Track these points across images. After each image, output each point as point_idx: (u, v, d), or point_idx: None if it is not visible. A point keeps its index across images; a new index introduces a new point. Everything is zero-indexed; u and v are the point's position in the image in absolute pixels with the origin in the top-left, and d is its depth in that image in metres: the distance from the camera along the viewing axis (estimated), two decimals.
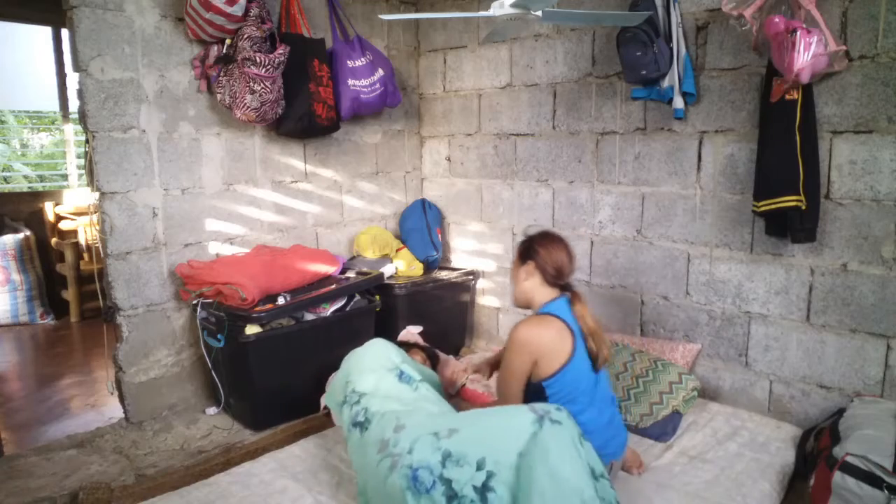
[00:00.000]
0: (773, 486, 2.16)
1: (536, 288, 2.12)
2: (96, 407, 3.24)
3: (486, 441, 1.72)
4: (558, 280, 2.12)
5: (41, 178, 8.13)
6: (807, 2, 2.27)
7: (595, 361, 2.04)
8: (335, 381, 2.33)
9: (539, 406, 1.78)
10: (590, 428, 1.94)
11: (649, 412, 2.50)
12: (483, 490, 1.63)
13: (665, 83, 2.75)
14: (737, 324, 2.81)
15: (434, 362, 2.79)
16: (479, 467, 1.66)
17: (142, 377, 2.89)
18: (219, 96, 2.88)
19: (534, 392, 2.02)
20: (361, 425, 2.04)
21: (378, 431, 1.94)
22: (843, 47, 2.31)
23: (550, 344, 1.99)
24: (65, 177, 6.23)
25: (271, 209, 3.35)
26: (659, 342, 2.94)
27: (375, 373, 2.20)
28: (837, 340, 2.54)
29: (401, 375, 2.21)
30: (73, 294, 4.86)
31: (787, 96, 2.37)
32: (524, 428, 1.70)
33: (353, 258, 3.68)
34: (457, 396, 2.88)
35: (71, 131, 5.76)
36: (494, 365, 2.45)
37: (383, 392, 2.13)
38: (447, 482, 1.67)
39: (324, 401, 2.84)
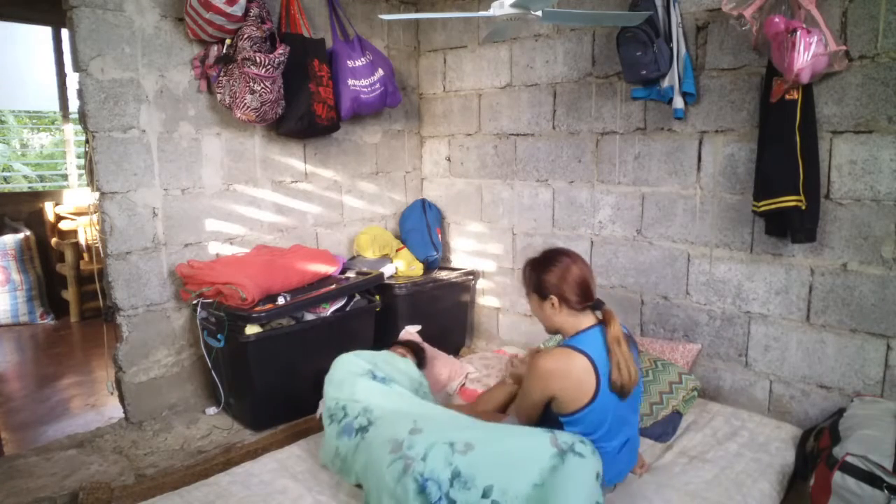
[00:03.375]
0: (773, 486, 2.16)
1: (566, 319, 1.93)
2: (96, 407, 3.24)
3: (499, 467, 1.72)
4: (587, 301, 1.93)
5: (41, 178, 8.14)
6: (807, 2, 2.27)
7: (621, 392, 1.86)
8: (323, 411, 2.32)
9: (562, 438, 1.75)
10: (608, 456, 1.89)
11: (649, 412, 2.50)
12: None
13: (665, 83, 2.75)
14: (737, 324, 2.81)
15: (420, 356, 2.80)
16: (486, 495, 1.68)
17: (142, 377, 2.89)
18: (219, 96, 2.88)
19: (553, 422, 1.92)
20: (363, 429, 2.07)
21: (389, 431, 1.95)
22: (843, 47, 2.31)
23: (571, 387, 1.83)
24: (65, 177, 6.24)
25: (271, 209, 3.35)
26: (659, 342, 2.94)
27: (346, 381, 2.24)
28: (837, 340, 2.54)
29: (373, 376, 2.27)
30: (73, 294, 4.86)
31: (787, 96, 2.37)
32: (544, 460, 1.70)
33: (353, 258, 3.68)
34: (455, 395, 2.88)
35: (71, 131, 5.76)
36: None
37: (363, 394, 2.18)
38: (452, 502, 1.70)
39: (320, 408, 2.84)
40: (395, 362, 2.48)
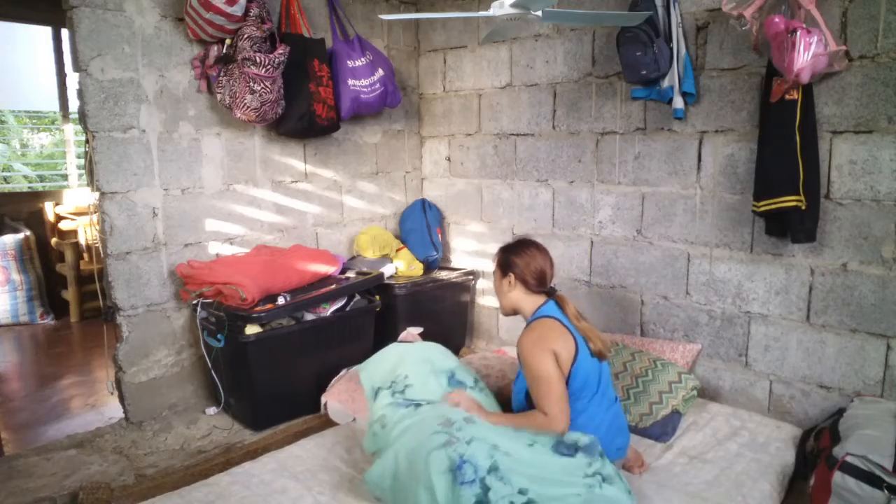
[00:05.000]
0: (773, 486, 2.16)
1: (522, 298, 2.17)
2: (96, 407, 3.24)
3: (537, 480, 1.75)
4: (541, 287, 2.16)
5: (41, 178, 8.13)
6: (807, 2, 2.27)
7: (596, 354, 2.07)
8: (377, 364, 2.34)
9: (594, 466, 1.82)
10: (596, 422, 2.01)
11: (649, 412, 2.50)
12: None
13: (665, 83, 2.75)
14: (737, 324, 2.81)
15: None
16: (522, 493, 1.70)
17: (142, 377, 2.89)
18: (219, 96, 2.88)
19: None
20: (416, 403, 2.11)
21: (443, 411, 1.98)
22: (843, 47, 2.31)
23: (560, 340, 2.01)
24: (65, 177, 6.24)
25: (271, 209, 3.35)
26: (659, 342, 2.94)
27: (422, 370, 2.25)
28: (837, 340, 2.54)
29: (451, 379, 2.26)
30: (73, 294, 4.86)
31: (787, 96, 2.37)
32: (578, 482, 1.77)
33: (353, 258, 3.68)
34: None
35: (71, 131, 5.76)
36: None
37: (432, 389, 2.19)
38: (486, 488, 1.70)
39: (329, 398, 2.83)
40: (468, 380, 2.37)
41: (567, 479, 1.77)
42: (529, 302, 2.16)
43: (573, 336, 2.03)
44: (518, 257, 2.16)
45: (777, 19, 2.23)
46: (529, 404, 2.08)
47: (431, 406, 2.09)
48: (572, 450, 1.87)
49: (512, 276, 2.15)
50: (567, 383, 1.99)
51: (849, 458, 1.94)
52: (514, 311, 2.20)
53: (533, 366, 1.98)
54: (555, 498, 1.71)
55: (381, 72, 3.35)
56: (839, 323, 2.53)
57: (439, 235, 3.83)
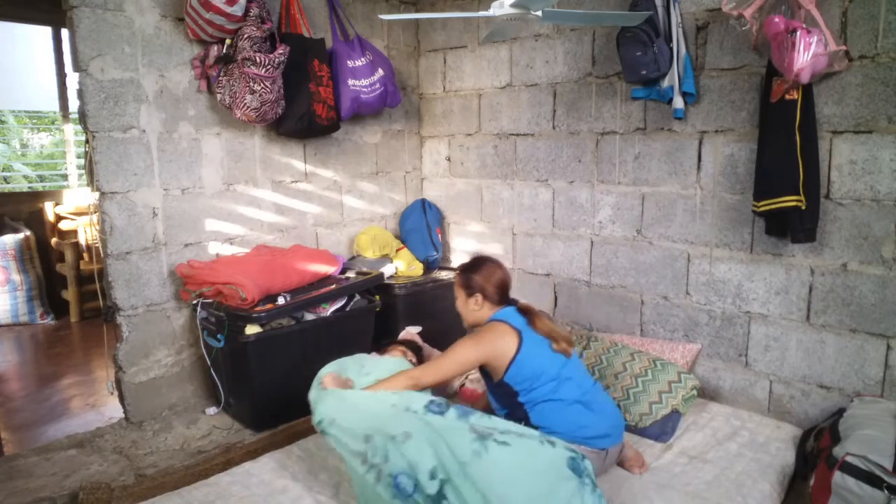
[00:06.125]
0: (774, 486, 2.16)
1: (487, 312, 2.26)
2: (96, 407, 3.24)
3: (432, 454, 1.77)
4: (504, 299, 2.29)
5: (41, 178, 8.13)
6: (807, 2, 2.27)
7: (560, 351, 2.18)
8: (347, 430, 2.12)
9: (479, 424, 1.85)
10: (568, 402, 2.11)
11: (649, 412, 2.50)
12: (438, 497, 1.71)
13: (665, 83, 2.75)
14: (737, 324, 2.81)
15: (419, 354, 2.79)
16: (433, 476, 1.72)
17: (142, 377, 2.89)
18: (219, 96, 2.88)
19: (505, 394, 2.15)
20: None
21: (352, 443, 1.91)
22: (843, 47, 2.31)
23: (498, 341, 2.14)
24: (65, 177, 6.24)
25: (271, 209, 3.35)
26: (659, 342, 2.94)
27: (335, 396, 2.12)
28: (837, 340, 2.54)
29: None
30: (73, 294, 4.86)
31: (787, 96, 2.37)
32: (465, 443, 1.78)
33: (353, 258, 3.68)
34: (455, 396, 2.88)
35: (71, 131, 5.76)
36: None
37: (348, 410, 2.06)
38: (419, 485, 1.73)
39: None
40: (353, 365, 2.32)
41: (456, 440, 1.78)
42: (491, 312, 2.26)
43: (519, 335, 2.14)
44: (479, 275, 2.27)
45: (777, 19, 2.23)
46: (505, 406, 2.17)
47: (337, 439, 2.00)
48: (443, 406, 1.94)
49: (479, 295, 2.25)
50: (510, 375, 2.11)
51: (849, 458, 1.94)
52: (477, 323, 2.30)
53: (457, 349, 2.14)
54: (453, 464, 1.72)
55: (381, 72, 3.35)
56: (839, 323, 2.53)
57: (439, 235, 3.83)
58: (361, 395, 2.07)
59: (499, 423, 1.91)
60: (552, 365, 2.14)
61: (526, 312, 2.24)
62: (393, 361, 2.41)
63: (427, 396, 2.03)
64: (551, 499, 1.69)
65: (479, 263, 2.32)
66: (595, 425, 2.10)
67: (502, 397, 2.18)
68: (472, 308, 2.28)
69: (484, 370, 2.21)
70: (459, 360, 2.13)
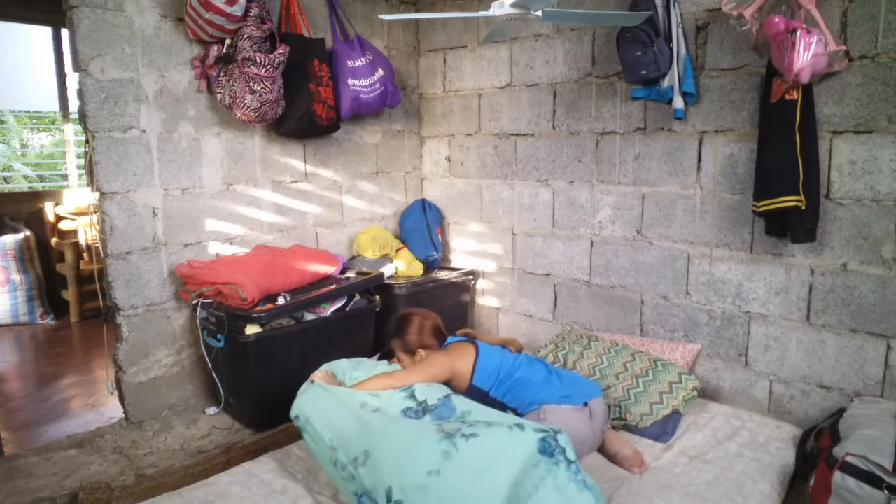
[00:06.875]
0: (774, 486, 2.16)
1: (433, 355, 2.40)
2: (96, 407, 3.24)
3: (393, 468, 1.77)
4: (442, 339, 2.47)
5: (41, 178, 8.13)
6: (807, 2, 2.27)
7: (515, 351, 2.51)
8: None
9: (447, 426, 1.88)
10: (536, 378, 2.32)
11: (649, 412, 2.50)
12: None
13: (665, 83, 2.75)
14: (737, 324, 2.81)
15: None
16: (389, 499, 1.71)
17: (142, 377, 2.89)
18: (219, 96, 2.88)
19: (478, 399, 2.25)
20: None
21: (323, 450, 1.97)
22: (843, 47, 2.31)
23: (455, 355, 2.34)
24: (65, 177, 6.24)
25: (271, 209, 3.35)
26: (659, 342, 2.94)
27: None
28: (837, 340, 2.54)
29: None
30: (73, 294, 4.86)
31: (787, 96, 2.37)
32: (433, 444, 1.79)
33: (353, 258, 3.68)
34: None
35: (71, 131, 5.76)
36: None
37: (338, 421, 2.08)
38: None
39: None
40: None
41: (421, 444, 1.79)
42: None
43: (475, 346, 2.38)
44: (411, 334, 2.40)
45: (777, 19, 2.23)
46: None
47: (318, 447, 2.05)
48: (420, 412, 2.00)
49: (420, 350, 2.39)
50: (477, 379, 2.31)
51: (849, 458, 1.93)
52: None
53: (431, 359, 2.30)
54: (413, 481, 1.71)
55: (381, 72, 3.35)
56: (839, 323, 2.53)
57: (439, 235, 3.83)
58: (340, 391, 2.11)
59: (475, 413, 2.00)
60: (511, 358, 2.39)
61: (470, 335, 2.51)
62: (389, 367, 2.43)
63: (435, 394, 2.10)
64: (514, 498, 1.67)
65: (404, 323, 2.44)
66: (569, 387, 2.30)
67: (476, 402, 2.23)
68: (420, 363, 2.35)
69: (449, 387, 2.28)
70: (433, 370, 2.25)
